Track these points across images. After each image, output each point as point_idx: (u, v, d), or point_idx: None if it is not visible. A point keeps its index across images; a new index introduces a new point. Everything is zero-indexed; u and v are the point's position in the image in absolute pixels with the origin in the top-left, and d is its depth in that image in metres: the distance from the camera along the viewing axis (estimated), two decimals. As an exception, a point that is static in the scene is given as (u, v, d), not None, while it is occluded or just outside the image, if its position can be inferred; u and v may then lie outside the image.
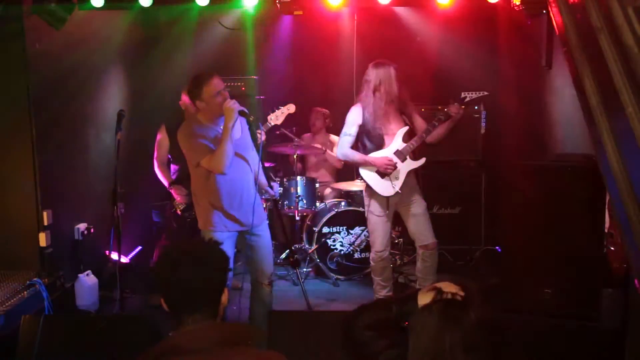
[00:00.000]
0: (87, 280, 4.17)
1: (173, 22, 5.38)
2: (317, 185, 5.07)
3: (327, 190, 5.41)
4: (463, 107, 3.76)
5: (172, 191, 4.34)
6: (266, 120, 4.02)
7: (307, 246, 4.97)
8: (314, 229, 4.88)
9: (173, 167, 4.43)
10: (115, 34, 4.97)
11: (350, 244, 4.91)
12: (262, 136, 3.79)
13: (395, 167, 3.81)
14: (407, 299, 1.50)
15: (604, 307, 3.11)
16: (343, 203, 5.04)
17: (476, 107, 5.25)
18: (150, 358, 1.53)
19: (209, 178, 3.21)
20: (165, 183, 4.37)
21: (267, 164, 4.22)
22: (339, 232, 4.91)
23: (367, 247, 4.52)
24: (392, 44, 5.44)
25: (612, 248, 3.06)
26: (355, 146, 3.92)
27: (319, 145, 5.33)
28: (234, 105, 3.09)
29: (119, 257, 3.83)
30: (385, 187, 3.84)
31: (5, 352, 2.95)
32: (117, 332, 2.93)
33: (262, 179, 3.45)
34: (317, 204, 5.03)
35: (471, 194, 5.40)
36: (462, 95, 3.85)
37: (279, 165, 5.65)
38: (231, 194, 3.24)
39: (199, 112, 3.24)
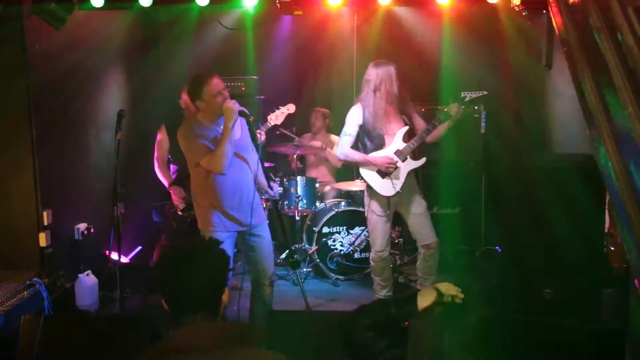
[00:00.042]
0: (87, 280, 4.16)
1: (173, 22, 5.36)
2: (317, 185, 5.08)
3: (327, 188, 5.41)
4: (463, 106, 3.77)
5: (171, 192, 4.34)
6: (266, 120, 4.03)
7: (307, 246, 4.97)
8: (314, 229, 4.88)
9: (172, 167, 4.43)
10: (115, 34, 4.96)
11: (350, 244, 4.91)
12: (261, 136, 3.80)
13: (396, 167, 3.81)
14: (407, 299, 1.50)
15: (604, 307, 3.11)
16: (343, 203, 5.03)
17: (476, 107, 5.25)
18: (151, 358, 1.53)
19: (209, 178, 3.20)
20: (166, 183, 4.37)
21: (266, 164, 4.22)
22: (339, 232, 4.91)
23: (367, 247, 4.52)
24: (392, 44, 5.43)
25: (612, 248, 3.05)
26: (355, 146, 3.92)
27: (318, 143, 5.33)
28: (234, 105, 3.08)
29: (119, 257, 3.84)
30: (386, 187, 3.84)
31: (5, 352, 2.95)
32: (117, 332, 2.92)
33: (262, 180, 3.46)
34: (317, 204, 5.03)
35: (471, 194, 5.40)
36: (462, 95, 3.85)
37: (278, 165, 5.65)
38: (231, 194, 3.24)
39: (199, 112, 3.24)
